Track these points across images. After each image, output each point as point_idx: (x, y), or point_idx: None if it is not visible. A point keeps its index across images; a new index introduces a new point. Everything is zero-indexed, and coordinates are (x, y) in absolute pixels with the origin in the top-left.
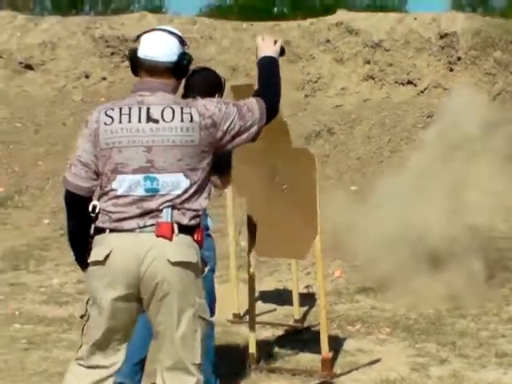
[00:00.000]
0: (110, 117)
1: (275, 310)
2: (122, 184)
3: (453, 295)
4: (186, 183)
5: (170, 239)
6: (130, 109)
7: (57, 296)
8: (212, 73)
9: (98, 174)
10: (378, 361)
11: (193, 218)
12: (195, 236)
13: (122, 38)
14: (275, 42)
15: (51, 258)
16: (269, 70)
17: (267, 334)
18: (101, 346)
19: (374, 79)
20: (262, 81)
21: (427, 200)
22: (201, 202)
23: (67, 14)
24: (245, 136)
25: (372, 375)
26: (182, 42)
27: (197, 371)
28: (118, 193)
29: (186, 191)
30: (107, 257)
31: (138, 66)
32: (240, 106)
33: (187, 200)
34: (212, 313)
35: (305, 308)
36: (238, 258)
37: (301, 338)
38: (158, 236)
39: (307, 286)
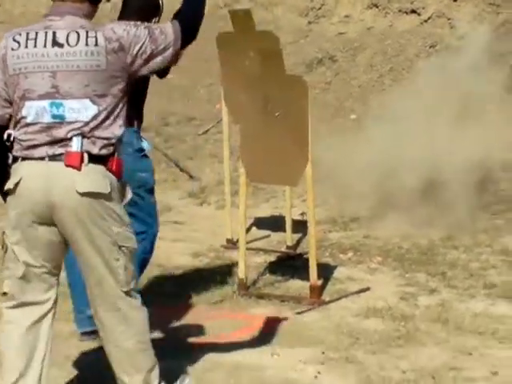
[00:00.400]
0: (17, 42)
1: (269, 236)
2: (30, 111)
3: (446, 225)
4: (93, 110)
5: (79, 169)
6: (36, 33)
7: None
8: None
9: (10, 102)
10: (367, 289)
11: (104, 146)
12: (109, 165)
13: None
14: None
15: None
16: None
17: (259, 260)
18: (27, 278)
19: (377, 7)
20: (183, 5)
21: (424, 130)
22: (113, 130)
23: None
24: (159, 59)
25: (360, 303)
26: None
27: (126, 297)
28: (28, 120)
29: (94, 118)
30: (17, 185)
31: None
32: (152, 29)
33: (97, 127)
34: (151, 234)
35: (298, 235)
36: (234, 184)
37: (292, 264)
38: (66, 166)
39: (302, 214)
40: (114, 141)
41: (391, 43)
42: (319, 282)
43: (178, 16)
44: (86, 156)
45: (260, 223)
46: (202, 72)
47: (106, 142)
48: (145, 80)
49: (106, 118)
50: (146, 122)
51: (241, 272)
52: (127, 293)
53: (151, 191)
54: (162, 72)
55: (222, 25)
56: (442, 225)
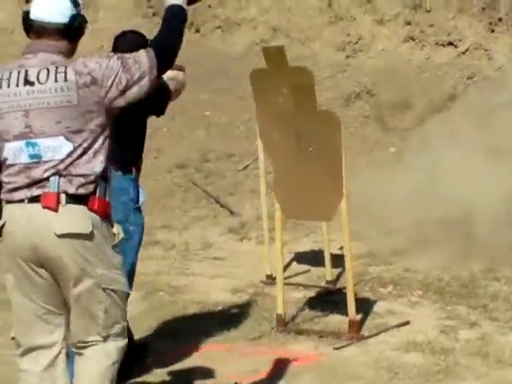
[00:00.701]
0: None
1: (309, 271)
2: (9, 152)
3: (487, 257)
4: (68, 147)
5: (56, 210)
6: (10, 73)
7: None
8: (139, 36)
9: None
10: (407, 323)
11: (82, 185)
12: (90, 204)
13: None
14: None
15: None
16: (169, 21)
17: (299, 295)
18: (29, 321)
19: (414, 40)
20: (160, 32)
21: (463, 163)
22: (92, 166)
23: None
24: (135, 89)
25: (400, 337)
26: (74, 2)
27: (100, 342)
28: (8, 162)
29: (69, 155)
30: (1, 229)
31: (30, 28)
32: (125, 59)
33: (72, 165)
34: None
35: (338, 270)
36: (272, 219)
37: (332, 299)
38: (44, 207)
39: (341, 248)
40: (93, 177)
41: (429, 76)
42: (358, 317)
43: (153, 42)
44: (63, 196)
45: (300, 258)
46: (240, 109)
47: (83, 179)
48: (142, 123)
49: (83, 154)
50: (186, 158)
51: (279, 308)
52: (105, 338)
53: (134, 248)
54: (159, 110)
55: (258, 61)
56: (483, 257)
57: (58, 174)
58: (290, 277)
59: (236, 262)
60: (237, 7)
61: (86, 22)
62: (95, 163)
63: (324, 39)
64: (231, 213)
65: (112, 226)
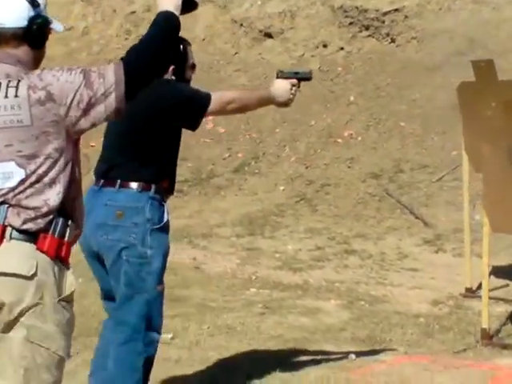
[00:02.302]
0: None
1: (507, 285)
2: None
3: None
4: (19, 174)
5: None
6: None
7: (291, 262)
8: None
9: None
10: None
11: (31, 219)
12: (39, 243)
13: (360, 9)
14: None
15: (286, 224)
16: (155, 28)
17: (500, 309)
18: None
19: None
20: (140, 40)
21: None
22: (46, 198)
23: None
24: (100, 109)
25: None
26: (32, 2)
27: None
28: None
29: (21, 183)
30: None
31: None
32: (88, 72)
33: (22, 194)
34: (150, 341)
35: None
36: (473, 232)
37: None
38: None
39: None
40: (45, 211)
41: None
42: None
43: (128, 52)
44: (8, 230)
45: (498, 272)
46: (436, 120)
47: (33, 213)
48: (165, 137)
49: (36, 182)
50: (380, 168)
51: (484, 322)
52: None
53: (156, 275)
54: (192, 124)
55: (454, 73)
56: None
57: (7, 203)
58: (489, 291)
59: (433, 274)
60: (434, 18)
61: (48, 24)
62: (50, 194)
63: None
64: (425, 224)
65: (63, 275)
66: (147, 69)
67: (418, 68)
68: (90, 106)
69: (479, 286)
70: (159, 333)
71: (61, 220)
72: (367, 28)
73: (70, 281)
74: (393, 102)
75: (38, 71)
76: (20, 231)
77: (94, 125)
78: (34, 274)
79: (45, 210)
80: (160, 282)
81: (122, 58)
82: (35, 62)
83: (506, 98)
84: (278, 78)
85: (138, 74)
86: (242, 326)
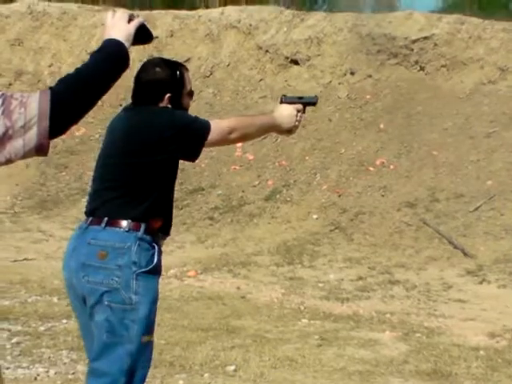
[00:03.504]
0: None
1: None
2: None
3: None
4: None
5: None
6: None
7: (336, 292)
8: (164, 68)
9: None
10: None
11: None
12: None
13: (388, 36)
14: (130, 20)
15: (323, 253)
16: (95, 57)
17: None
18: None
19: None
20: (76, 69)
21: None
22: None
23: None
24: (20, 143)
25: None
26: None
27: None
28: None
29: None
30: None
31: None
32: (8, 98)
33: None
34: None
35: None
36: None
37: None
38: None
39: None
40: None
41: None
42: None
43: (60, 81)
44: None
45: None
46: (469, 148)
47: None
48: (159, 171)
49: None
50: (415, 197)
51: None
52: None
53: (143, 323)
54: (193, 153)
55: (487, 101)
56: None
57: None
58: None
59: (482, 305)
60: (464, 46)
61: None
62: None
63: None
64: (465, 254)
65: None
66: (80, 102)
67: (448, 96)
68: (5, 139)
69: None
70: None
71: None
72: (395, 56)
73: None
74: (424, 130)
75: None
76: None
77: (9, 160)
78: None
79: None
80: (147, 332)
81: (50, 87)
82: None
83: None
84: (281, 102)
85: (68, 107)
86: (303, 358)
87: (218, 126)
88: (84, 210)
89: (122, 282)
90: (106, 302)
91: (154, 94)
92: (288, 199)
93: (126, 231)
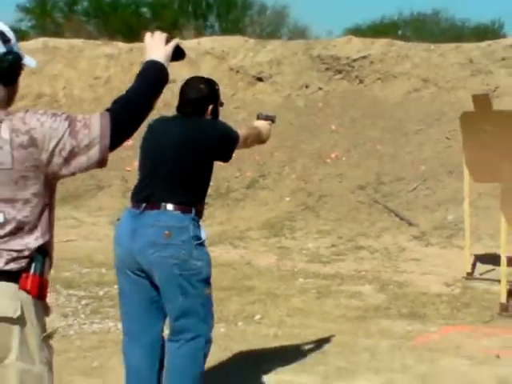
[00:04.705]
0: None
1: (494, 269)
2: None
3: None
4: None
5: None
6: None
7: (318, 257)
8: (206, 85)
9: None
10: None
11: (12, 260)
12: (22, 283)
13: (334, 57)
14: (167, 41)
15: (299, 227)
16: (142, 79)
17: (496, 288)
18: None
19: None
20: (127, 91)
21: None
22: (27, 242)
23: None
24: (84, 159)
25: None
26: (3, 38)
27: None
28: None
29: (0, 228)
30: None
31: None
32: (74, 121)
33: (2, 239)
34: (203, 342)
35: None
36: (448, 229)
37: None
38: None
39: None
40: (26, 253)
41: None
42: None
43: (114, 104)
44: None
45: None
46: (404, 143)
47: (14, 254)
48: (206, 169)
49: (15, 229)
50: (365, 181)
51: (502, 297)
52: None
53: (205, 281)
54: (224, 158)
55: (414, 106)
56: None
57: None
58: (483, 273)
59: (432, 263)
60: (394, 63)
61: (20, 59)
62: (29, 239)
63: (467, 88)
64: (410, 224)
65: (48, 311)
66: (133, 121)
67: (384, 103)
68: (71, 156)
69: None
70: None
71: (40, 258)
72: (340, 72)
73: (52, 317)
74: (367, 129)
75: (21, 113)
76: (2, 272)
77: (73, 174)
78: (22, 315)
79: (26, 252)
80: (208, 286)
81: (108, 109)
82: (8, 99)
83: (499, 122)
84: (258, 118)
85: (124, 125)
86: (310, 307)
87: (240, 135)
88: (130, 197)
89: (188, 253)
90: (177, 271)
91: (202, 107)
92: (265, 187)
93: (182, 213)
